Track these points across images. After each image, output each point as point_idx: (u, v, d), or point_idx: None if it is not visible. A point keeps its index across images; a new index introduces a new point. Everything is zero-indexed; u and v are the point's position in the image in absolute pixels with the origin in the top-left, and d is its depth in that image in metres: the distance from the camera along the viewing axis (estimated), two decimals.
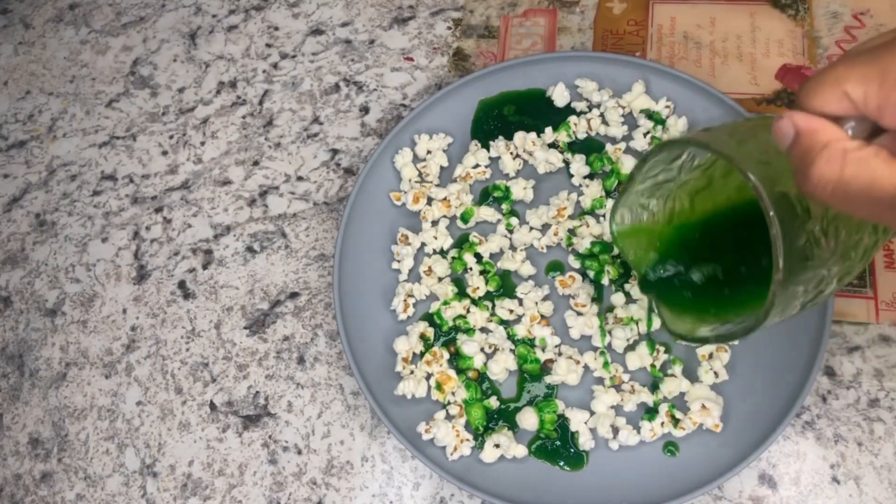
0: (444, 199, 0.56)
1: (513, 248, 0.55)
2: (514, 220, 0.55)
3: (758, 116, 0.34)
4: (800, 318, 0.49)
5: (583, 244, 0.54)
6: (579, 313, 0.52)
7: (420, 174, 0.57)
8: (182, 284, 0.61)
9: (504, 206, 0.56)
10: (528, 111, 0.58)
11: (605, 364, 0.51)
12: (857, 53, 0.26)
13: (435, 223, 0.56)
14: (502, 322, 0.53)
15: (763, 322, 0.32)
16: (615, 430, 0.49)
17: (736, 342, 0.49)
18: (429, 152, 0.58)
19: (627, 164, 0.55)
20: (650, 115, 0.56)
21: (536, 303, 0.53)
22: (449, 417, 0.50)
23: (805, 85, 0.27)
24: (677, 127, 0.55)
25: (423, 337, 0.53)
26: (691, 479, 0.46)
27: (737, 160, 0.29)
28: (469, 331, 0.53)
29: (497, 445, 0.49)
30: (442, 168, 0.58)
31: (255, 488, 0.53)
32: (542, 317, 0.53)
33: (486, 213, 0.56)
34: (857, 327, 0.51)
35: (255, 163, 0.64)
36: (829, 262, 0.30)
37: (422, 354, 0.52)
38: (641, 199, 0.42)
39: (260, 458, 0.54)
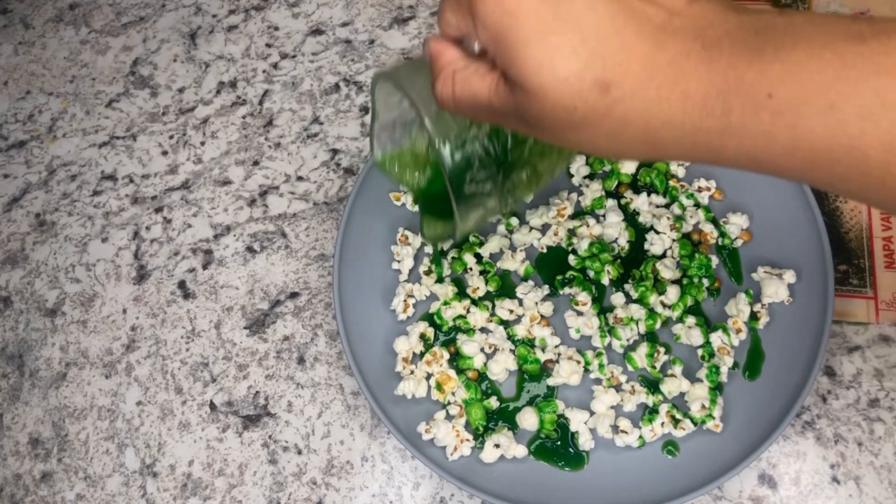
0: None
1: (513, 248, 0.55)
2: (514, 220, 0.55)
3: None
4: (800, 318, 0.49)
5: (583, 244, 0.54)
6: (579, 313, 0.52)
7: None
8: (182, 284, 0.61)
9: None
10: None
11: (601, 366, 0.51)
12: None
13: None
14: (502, 322, 0.53)
15: (458, 228, 0.38)
16: (615, 430, 0.49)
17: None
18: None
19: (627, 164, 0.55)
20: None
21: (536, 303, 0.53)
22: (449, 417, 0.50)
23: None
24: None
25: (423, 337, 0.53)
26: (691, 479, 0.46)
27: (406, 88, 0.34)
28: (469, 331, 0.53)
29: (497, 445, 0.49)
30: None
31: (255, 488, 0.53)
32: (542, 317, 0.53)
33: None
34: (857, 327, 0.51)
35: (255, 163, 0.64)
36: (501, 165, 0.35)
37: (422, 354, 0.52)
38: (396, 129, 0.43)
39: (260, 458, 0.54)
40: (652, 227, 0.54)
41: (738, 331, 0.50)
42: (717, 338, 0.50)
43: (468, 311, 0.53)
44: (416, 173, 0.45)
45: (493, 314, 0.53)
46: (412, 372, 0.52)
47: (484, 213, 0.38)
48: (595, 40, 0.25)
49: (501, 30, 0.26)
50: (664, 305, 0.51)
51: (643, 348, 0.51)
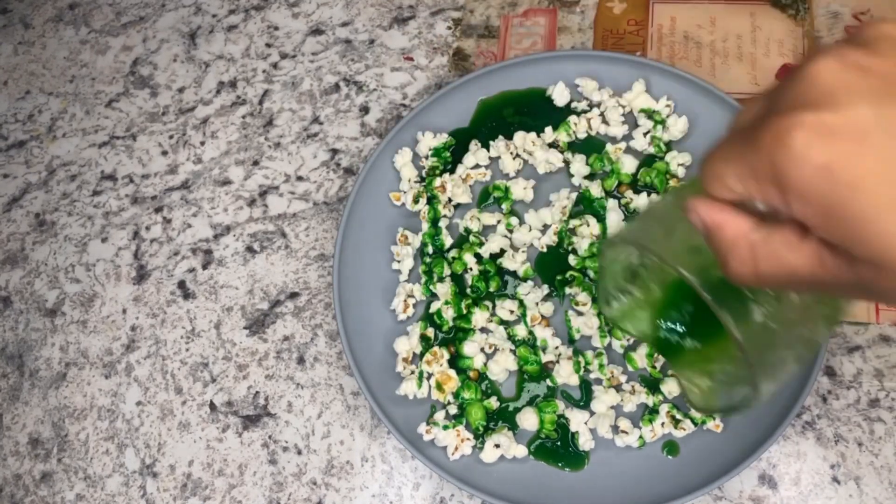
0: (441, 184, 0.56)
1: (513, 248, 0.55)
2: (513, 220, 0.55)
3: (677, 193, 0.33)
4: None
5: (583, 244, 0.54)
6: (579, 313, 0.52)
7: (420, 174, 0.57)
8: (182, 284, 0.61)
9: (504, 206, 0.56)
10: (528, 111, 0.58)
11: (601, 366, 0.51)
12: (732, 139, 0.26)
13: (435, 222, 0.56)
14: (502, 322, 0.53)
15: (757, 394, 0.31)
16: (615, 430, 0.49)
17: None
18: (430, 150, 0.58)
19: (627, 164, 0.55)
20: (650, 114, 0.56)
21: (537, 303, 0.53)
22: (449, 417, 0.50)
23: (701, 169, 0.27)
24: (678, 126, 0.55)
25: (423, 337, 0.53)
26: (691, 479, 0.46)
27: (667, 259, 0.29)
28: (469, 331, 0.53)
29: (497, 445, 0.49)
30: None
31: (255, 488, 0.53)
32: (543, 317, 0.53)
33: (486, 217, 0.56)
34: (857, 327, 0.51)
35: (255, 163, 0.64)
36: (796, 314, 0.30)
37: (422, 354, 0.52)
38: (619, 283, 0.41)
39: (260, 458, 0.54)
40: None
41: None
42: None
43: (468, 311, 0.53)
44: (647, 324, 0.41)
45: (493, 314, 0.53)
46: (412, 372, 0.52)
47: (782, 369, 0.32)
48: None
49: (833, 203, 0.22)
50: None
51: (643, 348, 0.51)
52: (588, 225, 0.54)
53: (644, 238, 0.31)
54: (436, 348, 0.52)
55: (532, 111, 0.58)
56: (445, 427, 0.49)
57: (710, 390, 0.39)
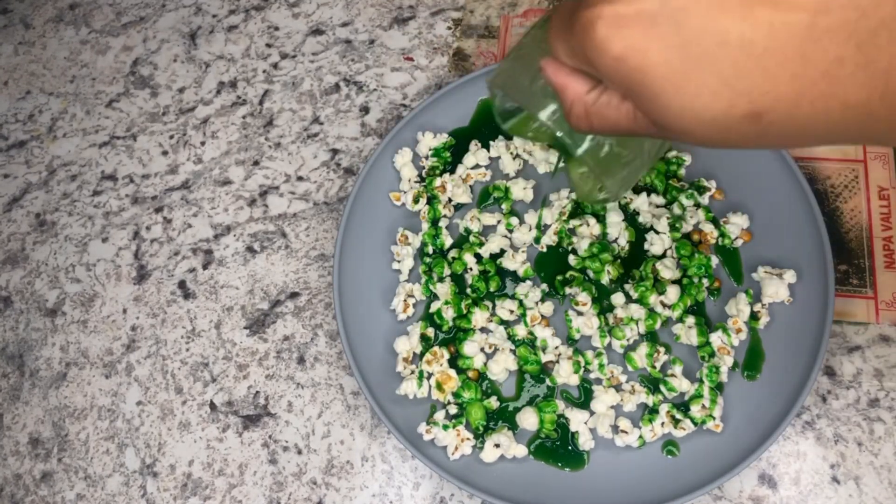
0: (441, 184, 0.56)
1: (513, 248, 0.55)
2: (513, 220, 0.55)
3: (537, 35, 0.37)
4: (800, 318, 0.49)
5: (583, 244, 0.54)
6: (579, 313, 0.52)
7: (420, 174, 0.57)
8: (182, 284, 0.61)
9: (504, 206, 0.56)
10: None
11: (601, 366, 0.51)
12: (562, 13, 0.29)
13: (435, 222, 0.56)
14: (502, 322, 0.53)
15: (606, 190, 0.40)
16: (615, 430, 0.49)
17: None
18: (430, 150, 0.58)
19: None
20: None
21: (537, 303, 0.53)
22: (449, 417, 0.50)
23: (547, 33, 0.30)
24: None
25: (423, 337, 0.53)
26: (691, 479, 0.46)
27: (531, 109, 0.35)
28: (469, 331, 0.53)
29: (497, 445, 0.49)
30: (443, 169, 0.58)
31: (255, 488, 0.53)
32: (543, 317, 0.53)
33: (486, 218, 0.56)
34: (857, 327, 0.51)
35: (255, 163, 0.64)
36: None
37: (422, 354, 0.52)
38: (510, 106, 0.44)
39: (260, 458, 0.54)
40: (652, 227, 0.54)
41: (738, 331, 0.50)
42: (717, 338, 0.50)
43: (468, 311, 0.53)
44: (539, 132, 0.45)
45: (493, 314, 0.53)
46: (413, 372, 0.52)
47: (629, 172, 0.39)
48: (735, 77, 0.23)
49: (631, 84, 0.26)
50: (664, 305, 0.51)
51: (643, 348, 0.51)
52: (588, 225, 0.54)
53: (513, 85, 0.36)
54: (436, 348, 0.52)
55: None
56: (445, 427, 0.49)
57: (584, 186, 0.46)
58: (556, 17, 0.29)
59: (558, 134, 0.35)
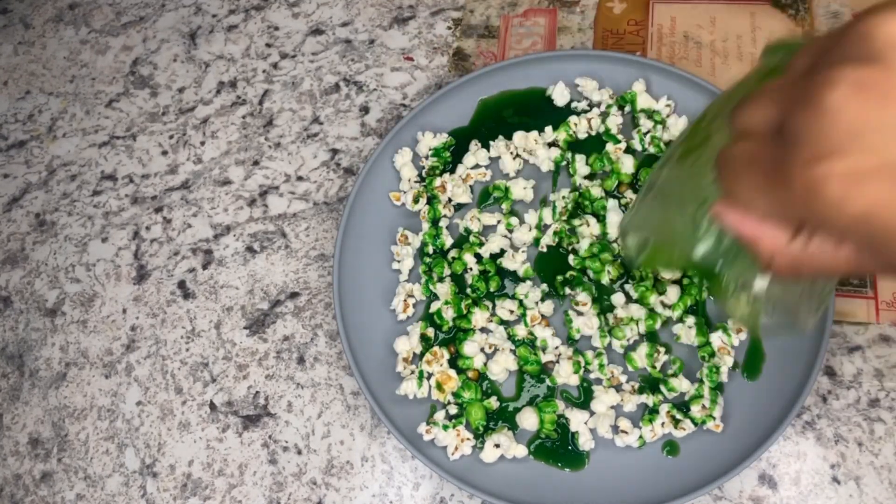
0: (441, 184, 0.56)
1: (513, 248, 0.55)
2: (514, 220, 0.55)
3: (670, 173, 0.35)
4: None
5: (583, 244, 0.54)
6: (579, 313, 0.52)
7: (420, 174, 0.57)
8: (182, 284, 0.61)
9: (504, 206, 0.56)
10: (527, 111, 0.58)
11: (601, 366, 0.51)
12: (754, 164, 0.26)
13: (435, 222, 0.56)
14: (502, 322, 0.53)
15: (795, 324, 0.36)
16: (615, 430, 0.49)
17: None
18: (430, 150, 0.58)
19: (627, 164, 0.55)
20: (650, 114, 0.56)
21: (537, 303, 0.53)
22: (449, 417, 0.50)
23: (728, 190, 0.28)
24: (678, 126, 0.55)
25: (423, 337, 0.53)
26: (691, 479, 0.46)
27: (684, 249, 0.33)
28: (469, 331, 0.53)
29: (497, 445, 0.49)
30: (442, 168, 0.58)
31: (255, 488, 0.53)
32: (543, 317, 0.53)
33: (486, 218, 0.56)
34: (857, 327, 0.51)
35: (255, 163, 0.64)
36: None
37: (422, 354, 0.52)
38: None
39: (260, 458, 0.54)
40: None
41: (739, 331, 0.50)
42: (717, 338, 0.50)
43: (468, 311, 0.53)
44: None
45: (493, 314, 0.53)
46: (413, 372, 0.52)
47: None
48: None
49: (876, 239, 0.23)
50: (664, 305, 0.51)
51: (643, 348, 0.51)
52: (588, 225, 0.54)
53: (655, 227, 0.34)
54: (436, 348, 0.52)
55: (532, 111, 0.58)
56: (445, 427, 0.49)
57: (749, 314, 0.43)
58: (737, 166, 0.27)
59: (722, 279, 0.33)
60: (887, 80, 0.21)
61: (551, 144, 0.57)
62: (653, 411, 0.49)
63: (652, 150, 0.56)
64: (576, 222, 0.54)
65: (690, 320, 0.51)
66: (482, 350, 0.52)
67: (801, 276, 0.28)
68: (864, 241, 0.24)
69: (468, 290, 0.54)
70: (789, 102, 0.24)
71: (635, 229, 0.36)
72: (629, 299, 0.52)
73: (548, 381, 0.51)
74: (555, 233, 0.55)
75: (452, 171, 0.57)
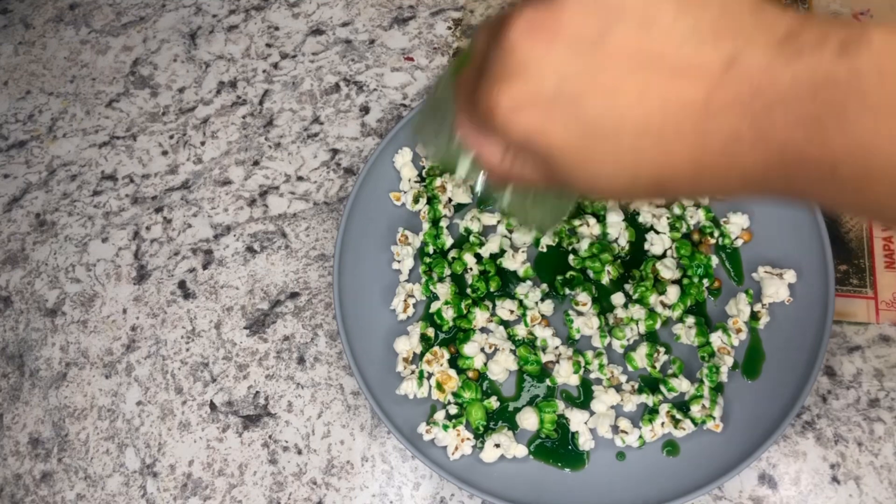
0: (441, 184, 0.56)
1: (513, 248, 0.55)
2: (514, 220, 0.55)
3: (446, 82, 0.37)
4: (800, 318, 0.49)
5: (583, 244, 0.54)
6: (579, 313, 0.52)
7: (420, 174, 0.57)
8: (182, 284, 0.61)
9: None
10: None
11: (601, 366, 0.51)
12: (465, 85, 0.29)
13: (435, 222, 0.56)
14: (502, 322, 0.53)
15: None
16: (615, 430, 0.49)
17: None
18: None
19: None
20: None
21: (537, 303, 0.53)
22: (449, 417, 0.50)
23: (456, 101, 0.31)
24: None
25: (423, 337, 0.53)
26: (691, 479, 0.46)
27: (449, 162, 0.35)
28: (469, 331, 0.53)
29: (497, 445, 0.49)
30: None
31: (255, 488, 0.53)
32: (543, 317, 0.53)
33: (486, 218, 0.56)
34: (857, 327, 0.51)
35: (256, 163, 0.64)
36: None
37: (422, 354, 0.52)
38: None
39: (260, 458, 0.54)
40: (652, 227, 0.54)
41: (738, 331, 0.50)
42: (717, 338, 0.50)
43: (468, 311, 0.53)
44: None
45: (493, 314, 0.53)
46: (413, 372, 0.52)
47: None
48: (633, 156, 0.24)
49: (539, 156, 0.26)
50: (664, 305, 0.51)
51: (643, 348, 0.51)
52: (588, 225, 0.54)
53: (432, 137, 0.37)
54: (436, 348, 0.52)
55: None
56: (445, 427, 0.49)
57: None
58: (461, 85, 0.29)
59: (477, 190, 0.36)
60: (557, 21, 0.24)
61: None
62: (653, 411, 0.49)
63: None
64: (576, 222, 0.54)
65: (690, 320, 0.51)
66: (482, 350, 0.52)
67: (509, 183, 0.31)
68: (533, 156, 0.27)
69: (468, 290, 0.54)
70: (493, 33, 0.27)
71: (421, 131, 0.38)
72: (629, 299, 0.52)
73: (548, 381, 0.51)
74: (555, 233, 0.55)
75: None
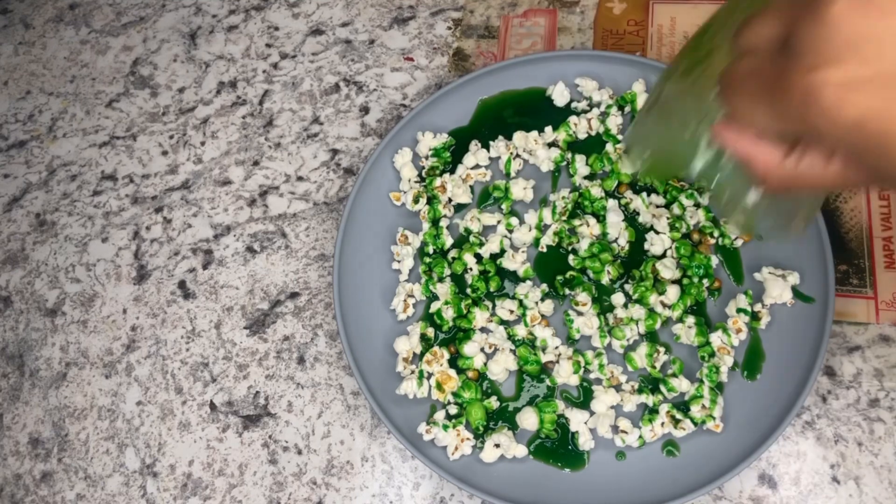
0: (441, 184, 0.56)
1: (513, 248, 0.55)
2: (514, 220, 0.55)
3: (671, 87, 0.36)
4: (800, 318, 0.49)
5: (583, 244, 0.54)
6: (579, 313, 0.52)
7: (420, 174, 0.58)
8: (182, 284, 0.61)
9: (504, 206, 0.56)
10: (528, 111, 0.58)
11: (601, 366, 0.51)
12: (754, 76, 0.27)
13: (435, 222, 0.56)
14: (502, 322, 0.53)
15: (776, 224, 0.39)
16: (615, 430, 0.49)
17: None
18: (430, 150, 0.58)
19: (627, 165, 0.55)
20: None
21: (537, 303, 0.53)
22: (449, 417, 0.50)
23: (728, 101, 0.29)
24: None
25: (423, 337, 0.53)
26: (691, 479, 0.46)
27: (682, 164, 0.34)
28: (469, 331, 0.53)
29: (497, 445, 0.49)
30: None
31: (255, 488, 0.53)
32: (543, 317, 0.53)
33: (486, 218, 0.56)
34: (857, 327, 0.51)
35: (255, 163, 0.64)
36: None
37: (422, 354, 0.52)
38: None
39: (260, 458, 0.54)
40: (652, 227, 0.54)
41: (738, 331, 0.50)
42: (717, 338, 0.50)
43: (468, 311, 0.53)
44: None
45: (493, 314, 0.53)
46: (413, 372, 0.52)
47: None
48: None
49: (868, 147, 0.24)
50: (664, 305, 0.51)
51: (643, 348, 0.51)
52: (588, 225, 0.54)
53: (656, 142, 0.36)
54: (436, 348, 0.52)
55: (532, 111, 0.58)
56: (445, 427, 0.49)
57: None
58: (738, 81, 0.28)
59: (719, 191, 0.34)
60: None
61: (551, 145, 0.57)
62: (653, 411, 0.49)
63: None
64: (576, 222, 0.54)
65: (690, 320, 0.51)
66: (482, 350, 0.52)
67: (791, 191, 0.29)
68: (855, 150, 0.25)
69: (468, 290, 0.54)
70: (793, 17, 0.25)
71: (639, 143, 0.37)
72: (629, 299, 0.52)
73: (548, 381, 0.51)
74: (555, 233, 0.55)
75: (452, 171, 0.58)
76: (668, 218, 0.54)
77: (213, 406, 0.56)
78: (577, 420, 0.50)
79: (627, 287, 0.53)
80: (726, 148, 0.30)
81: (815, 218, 0.43)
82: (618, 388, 0.51)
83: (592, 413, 0.50)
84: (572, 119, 0.57)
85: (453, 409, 0.51)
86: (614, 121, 0.56)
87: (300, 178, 0.63)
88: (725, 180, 0.34)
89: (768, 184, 0.29)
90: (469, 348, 0.52)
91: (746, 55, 0.27)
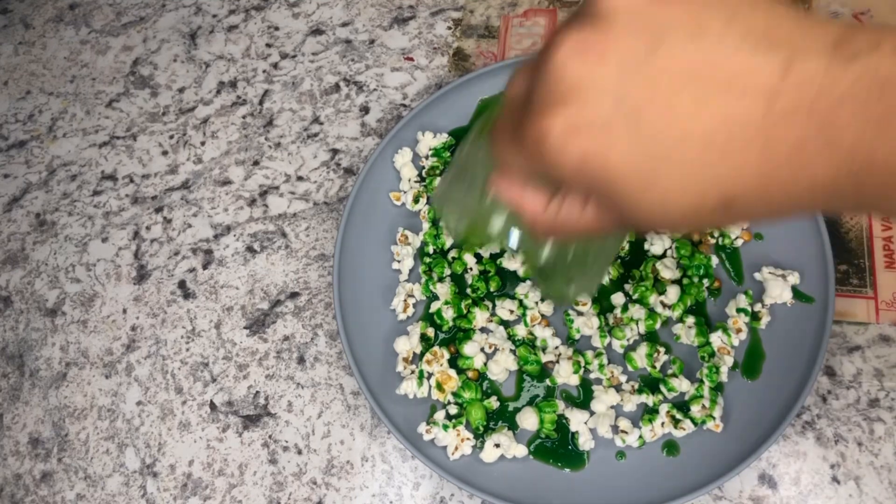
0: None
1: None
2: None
3: (469, 150, 0.36)
4: (800, 318, 0.49)
5: None
6: (579, 313, 0.52)
7: (420, 174, 0.57)
8: (182, 284, 0.61)
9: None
10: None
11: (601, 366, 0.51)
12: (506, 124, 0.28)
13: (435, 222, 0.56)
14: (502, 322, 0.53)
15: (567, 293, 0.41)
16: (615, 430, 0.49)
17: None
18: (430, 150, 0.58)
19: None
20: None
21: (536, 303, 0.53)
22: (449, 417, 0.50)
23: (493, 150, 0.30)
24: None
25: (423, 337, 0.53)
26: (691, 479, 0.46)
27: (481, 226, 0.35)
28: (469, 331, 0.53)
29: (497, 445, 0.49)
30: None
31: (255, 488, 0.53)
32: (543, 317, 0.53)
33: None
34: (857, 327, 0.51)
35: (255, 163, 0.64)
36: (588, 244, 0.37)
37: (422, 354, 0.52)
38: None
39: (260, 458, 0.54)
40: None
41: (739, 331, 0.50)
42: (717, 338, 0.50)
43: (468, 311, 0.53)
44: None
45: (493, 314, 0.53)
46: (413, 372, 0.52)
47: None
48: (701, 170, 0.23)
49: (595, 187, 0.25)
50: (664, 305, 0.51)
51: (643, 348, 0.51)
52: None
53: (459, 205, 0.36)
54: (436, 348, 0.52)
55: None
56: (445, 427, 0.49)
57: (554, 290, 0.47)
58: (498, 132, 0.29)
59: (511, 246, 0.35)
60: (605, 40, 0.23)
61: None
62: (653, 411, 0.49)
63: None
64: None
65: (690, 320, 0.51)
66: (482, 350, 0.52)
67: (557, 237, 0.31)
68: (587, 190, 0.26)
69: (468, 290, 0.54)
70: (536, 67, 0.26)
71: (445, 205, 0.38)
72: (629, 299, 0.52)
73: (548, 381, 0.51)
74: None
75: None
76: None
77: (213, 406, 0.56)
78: (577, 420, 0.50)
79: (627, 287, 0.53)
80: (502, 198, 0.31)
81: (601, 276, 0.43)
82: (618, 388, 0.51)
83: (592, 413, 0.50)
84: None
85: (453, 409, 0.51)
86: None
87: (300, 178, 0.63)
88: (523, 238, 0.35)
89: (536, 231, 0.30)
90: (469, 348, 0.52)
91: (507, 106, 0.28)
